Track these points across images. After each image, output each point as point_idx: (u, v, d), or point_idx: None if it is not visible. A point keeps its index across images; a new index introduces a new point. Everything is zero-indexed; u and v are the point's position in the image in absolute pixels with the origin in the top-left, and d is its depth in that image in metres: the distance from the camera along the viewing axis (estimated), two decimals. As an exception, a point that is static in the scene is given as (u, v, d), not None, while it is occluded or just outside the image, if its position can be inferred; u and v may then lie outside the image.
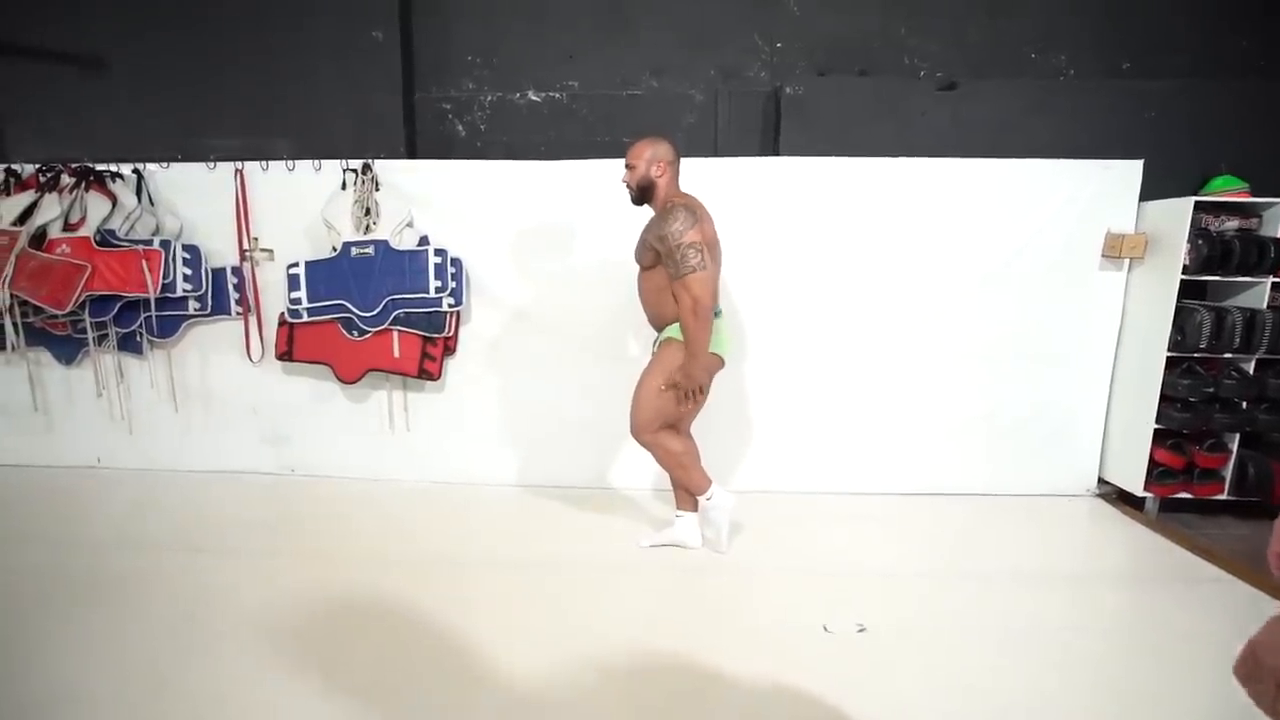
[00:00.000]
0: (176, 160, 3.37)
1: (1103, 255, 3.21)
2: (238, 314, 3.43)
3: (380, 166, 3.25)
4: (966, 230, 3.21)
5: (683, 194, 2.51)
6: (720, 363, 2.55)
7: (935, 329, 3.28)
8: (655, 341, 2.63)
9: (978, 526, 3.06)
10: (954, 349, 3.29)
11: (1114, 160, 3.14)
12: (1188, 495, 3.15)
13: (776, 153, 3.37)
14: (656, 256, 2.46)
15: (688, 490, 2.70)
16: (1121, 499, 3.34)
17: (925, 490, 3.36)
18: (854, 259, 3.25)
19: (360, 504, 3.23)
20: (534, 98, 3.52)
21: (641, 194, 2.49)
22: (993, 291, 3.24)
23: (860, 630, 2.25)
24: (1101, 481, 3.39)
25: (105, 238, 3.27)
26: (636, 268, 2.57)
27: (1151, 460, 3.18)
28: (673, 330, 2.51)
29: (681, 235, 2.32)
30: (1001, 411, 3.32)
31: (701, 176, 2.90)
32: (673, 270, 2.35)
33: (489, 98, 3.54)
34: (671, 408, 2.53)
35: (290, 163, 3.29)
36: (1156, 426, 3.14)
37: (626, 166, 2.50)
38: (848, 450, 3.37)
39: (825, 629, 2.25)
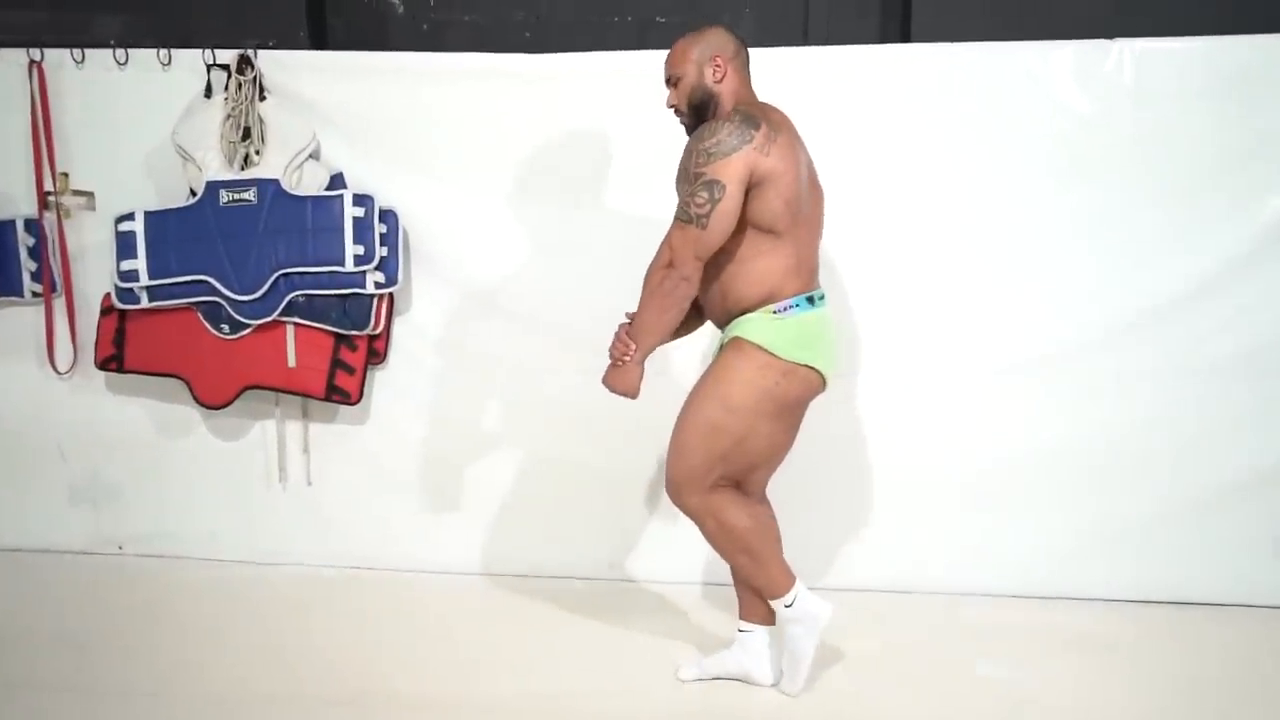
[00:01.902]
0: None
1: None
2: (35, 296, 3.33)
3: (268, 61, 3.15)
4: (1237, 156, 2.91)
5: (758, 102, 2.43)
6: (820, 383, 2.43)
7: (1177, 323, 3.00)
8: (718, 342, 2.50)
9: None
10: (1215, 352, 2.99)
11: None
12: None
13: (907, 37, 3.22)
14: None
15: (757, 591, 2.54)
16: None
17: (1176, 596, 3.06)
18: (1038, 207, 3.02)
19: (231, 603, 3.15)
20: None
21: (697, 115, 2.40)
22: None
23: None
24: None
25: None
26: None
27: None
28: (745, 325, 2.39)
29: (710, 159, 2.26)
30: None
31: (785, 78, 2.75)
32: (678, 203, 2.34)
33: None
34: (738, 451, 2.41)
35: (121, 52, 3.19)
36: None
37: (668, 83, 2.42)
38: (1025, 523, 3.14)
39: None
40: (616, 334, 2.43)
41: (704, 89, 2.38)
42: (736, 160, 2.24)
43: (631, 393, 2.41)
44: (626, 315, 2.45)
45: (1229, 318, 3.04)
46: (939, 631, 2.93)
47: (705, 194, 2.26)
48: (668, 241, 2.33)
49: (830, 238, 2.80)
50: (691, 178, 2.28)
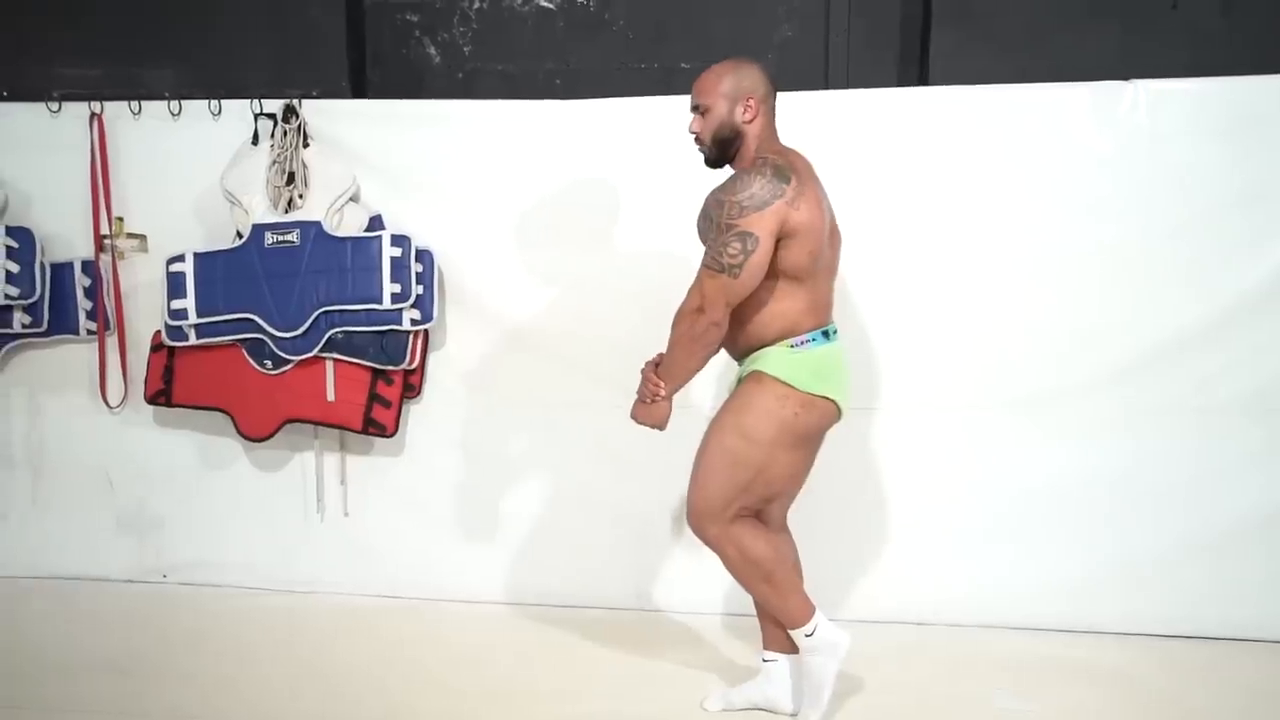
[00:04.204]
0: (1, 99, 3.37)
1: None
2: (89, 334, 3.40)
3: (312, 109, 3.23)
4: (1250, 195, 2.91)
5: (782, 148, 2.41)
6: (836, 413, 2.43)
7: (1193, 358, 3.00)
8: (736, 376, 2.52)
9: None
10: (1232, 387, 3.00)
11: None
12: None
13: (925, 81, 3.21)
14: None
15: (776, 621, 2.54)
16: None
17: (1194, 630, 3.02)
18: (1054, 246, 3.03)
19: (269, 630, 3.17)
20: (544, 3, 3.48)
21: (721, 150, 2.40)
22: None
23: None
24: None
25: (-118, 215, 3.32)
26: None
27: None
28: (763, 359, 2.40)
29: (743, 212, 2.26)
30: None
31: (806, 121, 2.73)
32: (707, 249, 2.33)
33: (477, 4, 3.51)
34: (759, 481, 2.40)
35: (175, 103, 3.29)
36: None
37: (695, 109, 2.41)
38: (1044, 556, 3.13)
39: None
40: (644, 374, 2.43)
41: (732, 126, 2.36)
42: (769, 214, 2.24)
43: (661, 425, 2.43)
44: (657, 357, 2.47)
45: (1243, 354, 3.04)
46: (957, 663, 2.92)
47: (738, 245, 2.25)
48: (698, 288, 2.32)
49: (851, 276, 2.88)
50: (723, 228, 2.28)
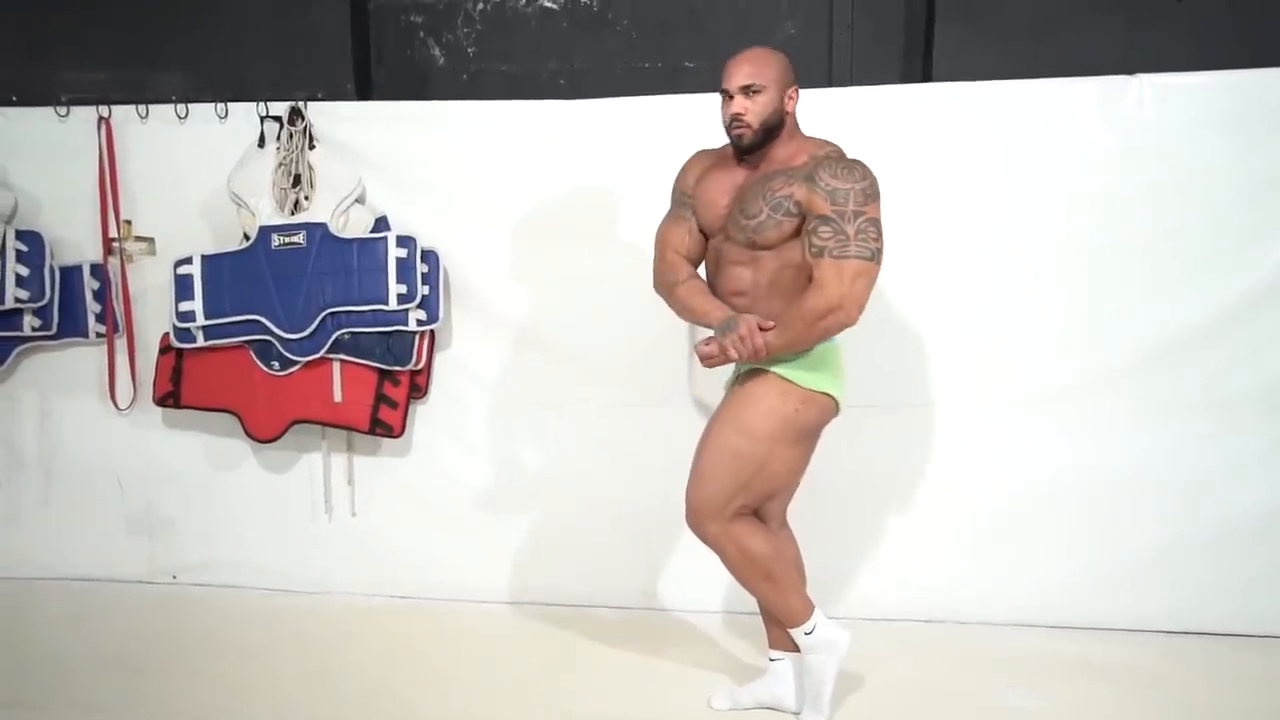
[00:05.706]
0: (10, 103, 3.37)
1: None
2: (98, 336, 3.43)
3: (317, 112, 3.25)
4: (1256, 189, 2.90)
5: (826, 142, 2.43)
6: (834, 409, 2.44)
7: (1197, 356, 3.00)
8: (734, 373, 2.52)
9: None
10: (1236, 383, 2.99)
11: None
12: None
13: (929, 77, 3.21)
14: (796, 228, 2.30)
15: (776, 619, 2.56)
16: None
17: (1202, 627, 3.03)
18: (1060, 242, 3.03)
19: (277, 630, 3.19)
20: (548, 3, 3.49)
21: (766, 136, 2.38)
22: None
23: None
24: None
25: (-107, 219, 3.31)
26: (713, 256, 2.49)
27: None
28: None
29: (868, 200, 2.28)
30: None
31: (810, 119, 2.69)
32: (835, 243, 2.26)
33: (480, 5, 3.52)
34: (759, 478, 2.39)
35: (182, 107, 3.33)
36: None
37: (744, 90, 2.34)
38: (1051, 553, 3.13)
39: None
40: (749, 335, 2.28)
41: (780, 113, 2.37)
42: (880, 205, 2.29)
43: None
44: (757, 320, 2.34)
45: (1249, 351, 3.03)
46: (966, 660, 2.92)
47: (875, 230, 2.27)
48: (836, 285, 2.24)
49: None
50: (853, 215, 2.26)
